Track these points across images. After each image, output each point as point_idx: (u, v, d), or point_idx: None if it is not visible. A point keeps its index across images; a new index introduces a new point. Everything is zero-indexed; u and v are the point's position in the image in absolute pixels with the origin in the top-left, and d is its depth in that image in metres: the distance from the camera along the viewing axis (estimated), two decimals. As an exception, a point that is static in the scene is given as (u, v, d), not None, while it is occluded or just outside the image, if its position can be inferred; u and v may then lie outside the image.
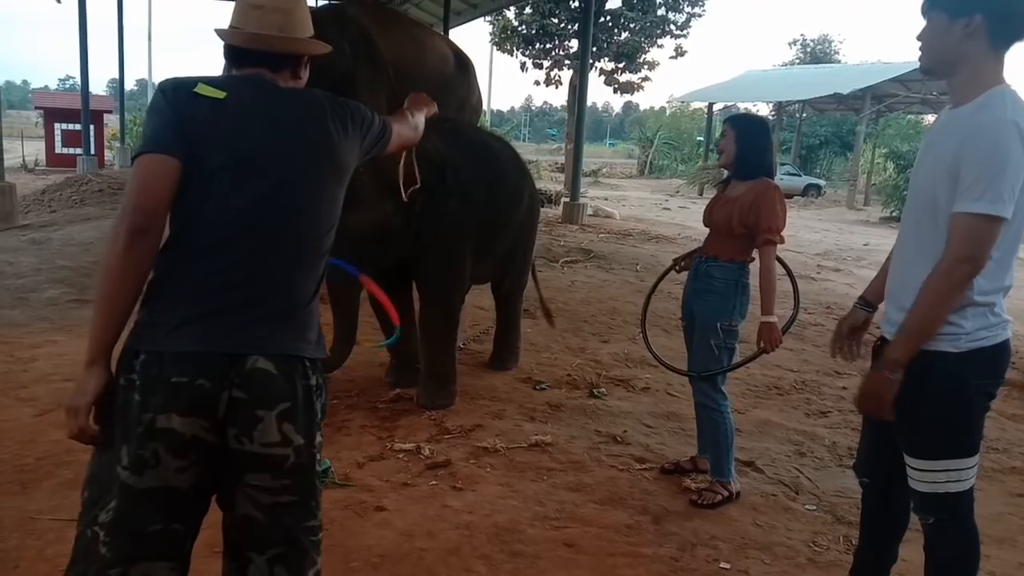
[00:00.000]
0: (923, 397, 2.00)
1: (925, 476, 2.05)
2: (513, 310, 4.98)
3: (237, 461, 1.62)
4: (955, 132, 1.94)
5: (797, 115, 32.56)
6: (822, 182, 29.95)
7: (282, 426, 1.61)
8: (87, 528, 1.62)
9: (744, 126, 3.31)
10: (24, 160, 19.79)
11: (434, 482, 3.31)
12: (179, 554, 1.67)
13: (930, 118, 32.28)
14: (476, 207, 4.12)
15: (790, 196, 25.92)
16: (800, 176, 29.32)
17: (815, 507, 3.38)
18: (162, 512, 1.59)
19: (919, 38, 2.03)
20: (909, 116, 31.56)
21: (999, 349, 2.01)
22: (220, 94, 1.64)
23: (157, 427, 1.55)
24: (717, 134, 3.64)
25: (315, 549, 1.73)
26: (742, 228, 3.17)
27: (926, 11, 2.01)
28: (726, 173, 3.42)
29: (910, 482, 2.10)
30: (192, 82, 1.65)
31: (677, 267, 3.61)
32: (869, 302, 2.43)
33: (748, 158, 3.24)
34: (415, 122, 2.31)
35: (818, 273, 10.03)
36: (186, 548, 1.69)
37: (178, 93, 1.63)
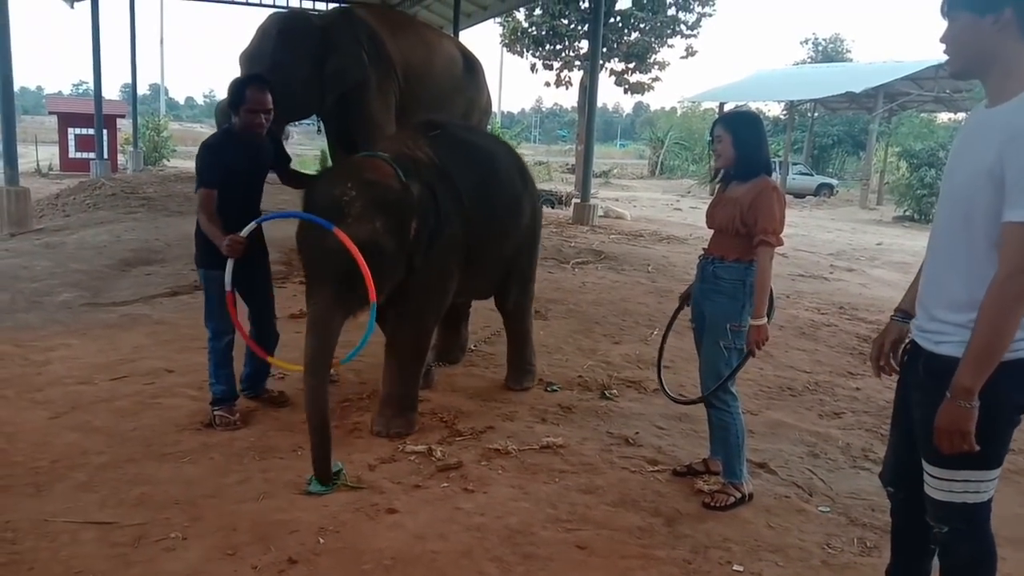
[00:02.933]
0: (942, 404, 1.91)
1: (942, 484, 1.99)
2: (522, 325, 4.69)
3: None
4: (995, 134, 1.84)
5: (809, 114, 32.40)
6: (834, 181, 29.80)
7: None
8: None
9: (739, 126, 3.27)
10: (38, 165, 19.94)
11: (446, 484, 3.31)
12: None
13: (943, 116, 32.14)
14: (471, 221, 3.88)
15: (802, 196, 25.85)
16: (812, 175, 29.19)
17: (829, 509, 3.36)
18: None
19: (943, 40, 1.94)
20: (922, 114, 31.31)
21: None
22: None
23: None
24: (709, 136, 3.58)
25: None
26: (744, 228, 3.15)
27: (948, 11, 1.92)
28: (722, 172, 3.38)
29: (926, 488, 2.03)
30: None
31: (687, 303, 3.58)
32: (907, 313, 2.27)
33: (746, 157, 3.22)
34: None
35: (831, 273, 9.97)
36: None
37: None
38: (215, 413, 3.82)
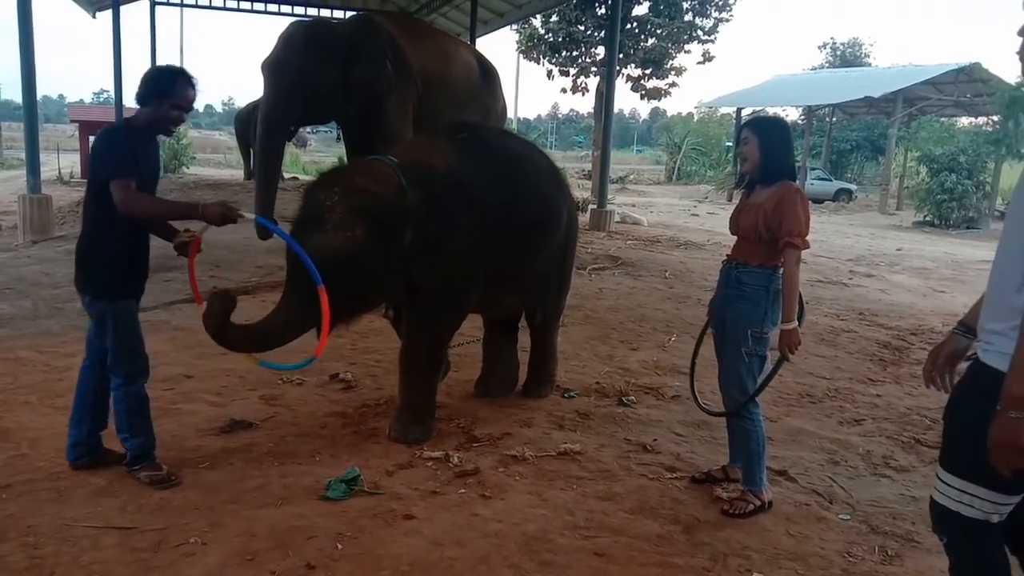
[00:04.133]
0: (967, 410, 1.85)
1: (943, 487, 1.91)
2: (550, 335, 4.57)
3: None
4: None
5: (827, 119, 32.22)
6: (853, 186, 29.59)
7: None
8: None
9: (766, 131, 3.27)
10: (60, 172, 20.17)
11: (463, 490, 3.30)
12: None
13: (964, 121, 31.83)
14: (496, 230, 3.77)
15: (821, 201, 25.69)
16: (831, 180, 29.02)
17: (849, 517, 3.33)
18: None
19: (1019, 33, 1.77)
20: (942, 119, 31.06)
21: None
22: None
23: None
24: (733, 141, 3.56)
25: None
26: (768, 233, 3.14)
27: None
28: (747, 177, 3.37)
29: (932, 490, 1.96)
30: None
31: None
32: (969, 327, 2.11)
33: (772, 162, 3.21)
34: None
35: (850, 279, 9.89)
36: None
37: None
38: (141, 475, 3.24)
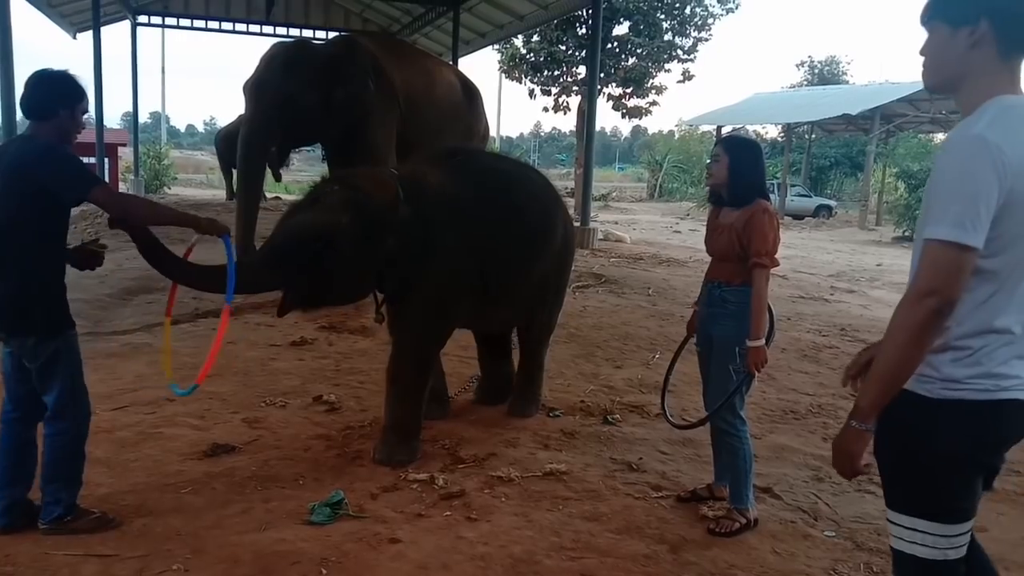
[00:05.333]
0: (891, 441, 1.79)
1: (893, 529, 1.81)
2: (539, 355, 4.63)
3: None
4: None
5: (806, 136, 32.59)
6: (833, 203, 29.92)
7: None
8: None
9: (738, 150, 3.30)
10: (40, 193, 20.02)
11: (448, 513, 3.28)
12: None
13: (940, 137, 32.25)
14: (488, 251, 3.86)
15: (801, 217, 25.91)
16: (811, 197, 29.32)
17: (835, 534, 3.33)
18: None
19: (922, 52, 1.82)
20: (919, 135, 31.49)
21: (994, 408, 1.71)
22: None
23: None
24: (708, 157, 3.60)
25: None
26: (743, 251, 3.17)
27: (926, 21, 1.79)
28: (716, 193, 3.38)
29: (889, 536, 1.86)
30: None
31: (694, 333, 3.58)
32: None
33: (741, 181, 3.24)
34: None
35: (831, 295, 9.97)
36: None
37: None
38: (79, 523, 2.95)
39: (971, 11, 1.70)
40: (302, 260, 3.33)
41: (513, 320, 4.47)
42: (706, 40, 22.27)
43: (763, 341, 3.14)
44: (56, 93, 2.87)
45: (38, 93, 2.87)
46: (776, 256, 3.19)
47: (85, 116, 3.01)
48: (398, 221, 3.52)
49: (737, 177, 3.23)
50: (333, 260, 3.39)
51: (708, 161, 3.43)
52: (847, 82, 38.27)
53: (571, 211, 17.74)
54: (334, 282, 3.49)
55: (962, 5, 1.73)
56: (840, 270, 13.08)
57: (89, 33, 17.03)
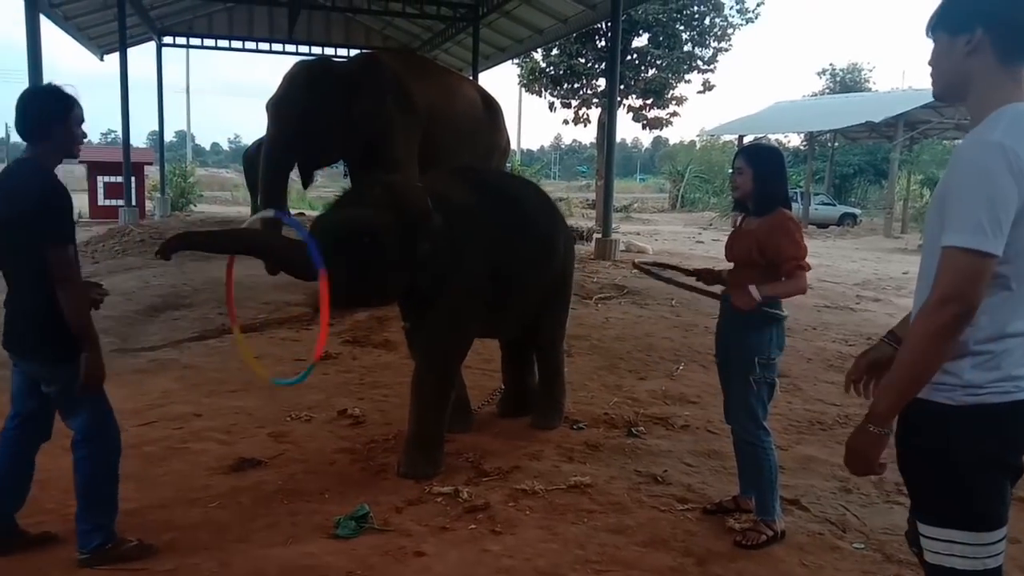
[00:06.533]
0: (915, 453, 1.79)
1: (928, 544, 1.79)
2: (553, 361, 4.68)
3: None
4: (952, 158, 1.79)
5: (829, 144, 32.36)
6: (857, 211, 29.62)
7: None
8: None
9: (761, 159, 3.29)
10: (69, 213, 20.35)
11: (473, 526, 3.29)
12: None
13: (965, 143, 31.87)
14: (499, 262, 3.98)
15: (825, 226, 25.70)
16: (835, 205, 29.08)
17: (863, 546, 3.29)
18: None
19: (929, 62, 1.86)
20: (944, 142, 31.15)
21: (1014, 408, 1.72)
22: None
23: None
24: (730, 168, 3.60)
25: None
26: (762, 258, 3.16)
27: (929, 32, 1.84)
28: (742, 202, 3.38)
29: (924, 551, 1.82)
30: None
31: (697, 276, 3.61)
32: (897, 338, 2.08)
33: (766, 191, 3.24)
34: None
35: (857, 303, 9.87)
36: None
37: None
38: (124, 549, 2.93)
39: (967, 20, 1.74)
40: (349, 252, 3.42)
41: (517, 327, 4.53)
42: (726, 50, 22.19)
43: (758, 292, 3.13)
44: (47, 110, 2.78)
45: (30, 114, 2.79)
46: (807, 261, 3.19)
47: (83, 125, 2.88)
48: (432, 228, 3.64)
49: (762, 184, 3.23)
50: (375, 256, 3.50)
51: (731, 171, 3.42)
52: (869, 89, 38.03)
53: (593, 222, 17.69)
54: (372, 278, 3.57)
55: (959, 14, 1.77)
56: (866, 279, 12.95)
57: (116, 54, 17.35)
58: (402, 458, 3.86)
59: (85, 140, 2.95)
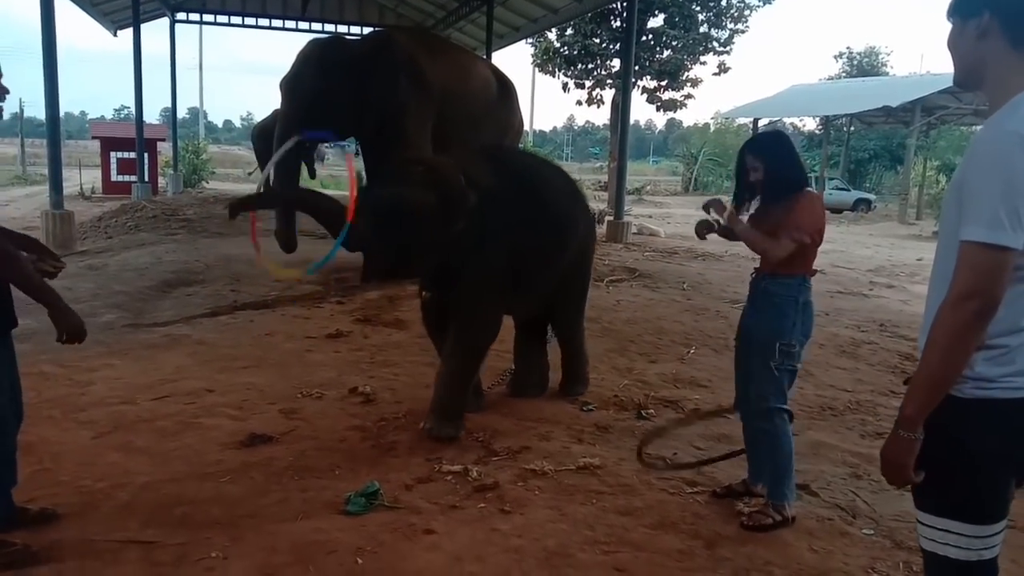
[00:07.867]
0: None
1: (923, 530, 1.80)
2: (575, 338, 4.86)
3: None
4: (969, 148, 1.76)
5: (845, 129, 32.08)
6: (872, 196, 29.40)
7: None
8: None
9: (769, 149, 3.25)
10: (81, 188, 20.43)
11: (482, 505, 3.30)
12: None
13: (983, 129, 31.55)
14: (520, 242, 4.07)
15: (839, 211, 25.53)
16: (850, 191, 28.86)
17: (873, 532, 3.28)
18: None
19: (948, 47, 1.83)
20: (961, 128, 30.83)
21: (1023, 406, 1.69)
22: None
23: None
24: (736, 158, 3.56)
25: None
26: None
27: (948, 16, 1.82)
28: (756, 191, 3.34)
29: (918, 536, 1.84)
30: None
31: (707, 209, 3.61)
32: None
33: (782, 177, 3.20)
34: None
35: (871, 290, 9.81)
36: None
37: None
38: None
39: (976, 4, 1.74)
40: (392, 228, 3.60)
41: (539, 306, 4.63)
42: (742, 32, 21.96)
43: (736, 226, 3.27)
44: None
45: None
46: (810, 236, 3.12)
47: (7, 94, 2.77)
48: (468, 207, 3.75)
49: (777, 173, 3.18)
50: (417, 233, 3.67)
51: (737, 165, 3.38)
52: (887, 73, 37.59)
53: (605, 205, 17.67)
54: (412, 254, 3.76)
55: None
56: (879, 265, 12.87)
57: (129, 30, 17.35)
58: (427, 419, 4.05)
59: (8, 95, 2.79)
